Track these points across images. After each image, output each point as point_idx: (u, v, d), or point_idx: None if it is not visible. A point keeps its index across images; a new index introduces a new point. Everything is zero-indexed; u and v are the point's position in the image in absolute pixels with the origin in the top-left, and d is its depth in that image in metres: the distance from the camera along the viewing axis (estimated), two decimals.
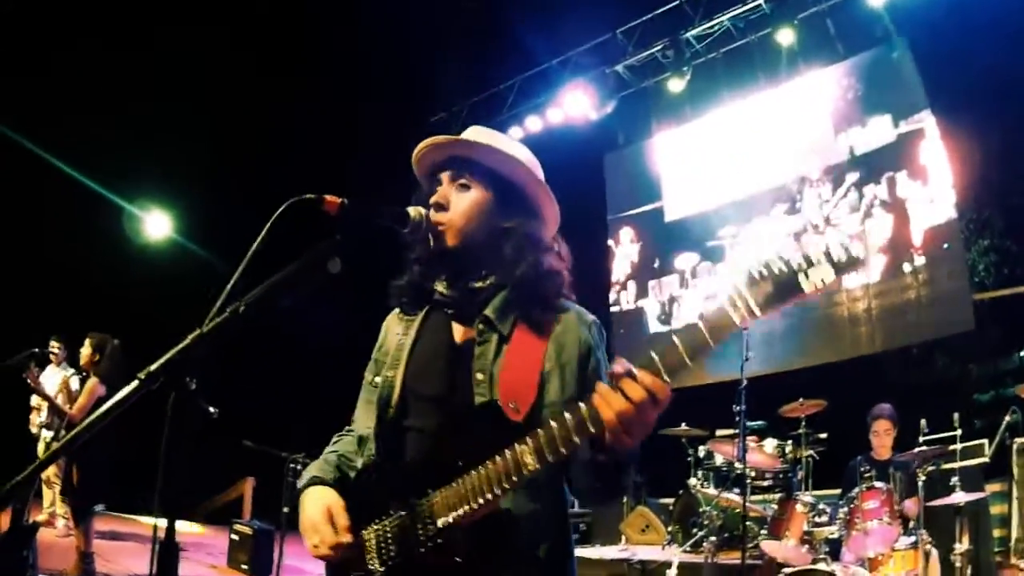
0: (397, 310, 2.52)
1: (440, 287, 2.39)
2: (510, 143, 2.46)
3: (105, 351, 8.19)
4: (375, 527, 2.19)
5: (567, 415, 1.87)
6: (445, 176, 2.40)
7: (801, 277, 1.72)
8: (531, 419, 2.12)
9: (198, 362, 1.78)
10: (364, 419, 2.42)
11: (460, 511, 2.01)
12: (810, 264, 1.71)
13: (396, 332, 2.47)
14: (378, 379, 2.41)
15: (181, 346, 1.76)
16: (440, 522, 2.04)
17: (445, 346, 2.35)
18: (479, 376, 2.22)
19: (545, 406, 2.18)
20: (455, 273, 2.38)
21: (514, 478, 1.93)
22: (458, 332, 2.36)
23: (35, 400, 9.88)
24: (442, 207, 2.33)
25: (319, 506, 2.24)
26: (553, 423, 1.89)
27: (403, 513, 2.13)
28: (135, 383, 1.71)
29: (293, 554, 6.82)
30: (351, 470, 2.41)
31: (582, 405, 1.86)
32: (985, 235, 11.51)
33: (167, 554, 1.75)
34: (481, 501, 1.98)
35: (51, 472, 10.05)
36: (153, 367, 1.72)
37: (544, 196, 2.43)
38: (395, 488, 2.18)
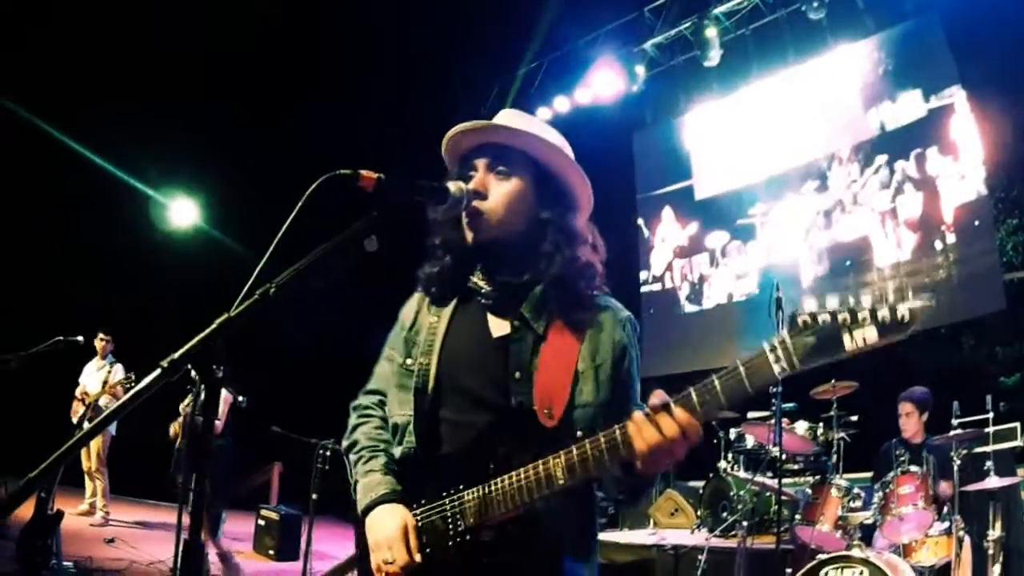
0: (421, 293, 2.46)
1: (476, 279, 2.34)
2: (544, 127, 2.39)
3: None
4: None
5: (602, 437, 1.93)
6: (481, 163, 2.32)
7: (844, 335, 1.69)
8: (564, 422, 2.16)
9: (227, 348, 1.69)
10: (397, 405, 2.36)
11: (489, 515, 2.07)
12: (855, 322, 1.69)
13: (429, 316, 2.39)
14: (409, 361, 2.35)
15: (207, 332, 1.67)
16: (469, 522, 2.09)
17: (483, 340, 2.30)
18: (516, 375, 2.21)
19: (577, 407, 2.20)
20: (492, 265, 2.33)
21: (545, 491, 2.00)
22: (495, 326, 2.31)
23: (79, 391, 9.93)
24: (480, 195, 2.25)
25: (396, 523, 2.17)
26: (588, 443, 1.95)
27: (436, 506, 2.16)
28: (158, 371, 1.60)
29: (321, 539, 6.77)
30: (394, 463, 2.33)
31: (617, 430, 1.91)
32: (1015, 214, 11.31)
33: (193, 549, 1.68)
34: (511, 508, 2.04)
35: (92, 464, 10.14)
36: (177, 355, 1.62)
37: (579, 180, 2.38)
38: (431, 481, 2.19)
